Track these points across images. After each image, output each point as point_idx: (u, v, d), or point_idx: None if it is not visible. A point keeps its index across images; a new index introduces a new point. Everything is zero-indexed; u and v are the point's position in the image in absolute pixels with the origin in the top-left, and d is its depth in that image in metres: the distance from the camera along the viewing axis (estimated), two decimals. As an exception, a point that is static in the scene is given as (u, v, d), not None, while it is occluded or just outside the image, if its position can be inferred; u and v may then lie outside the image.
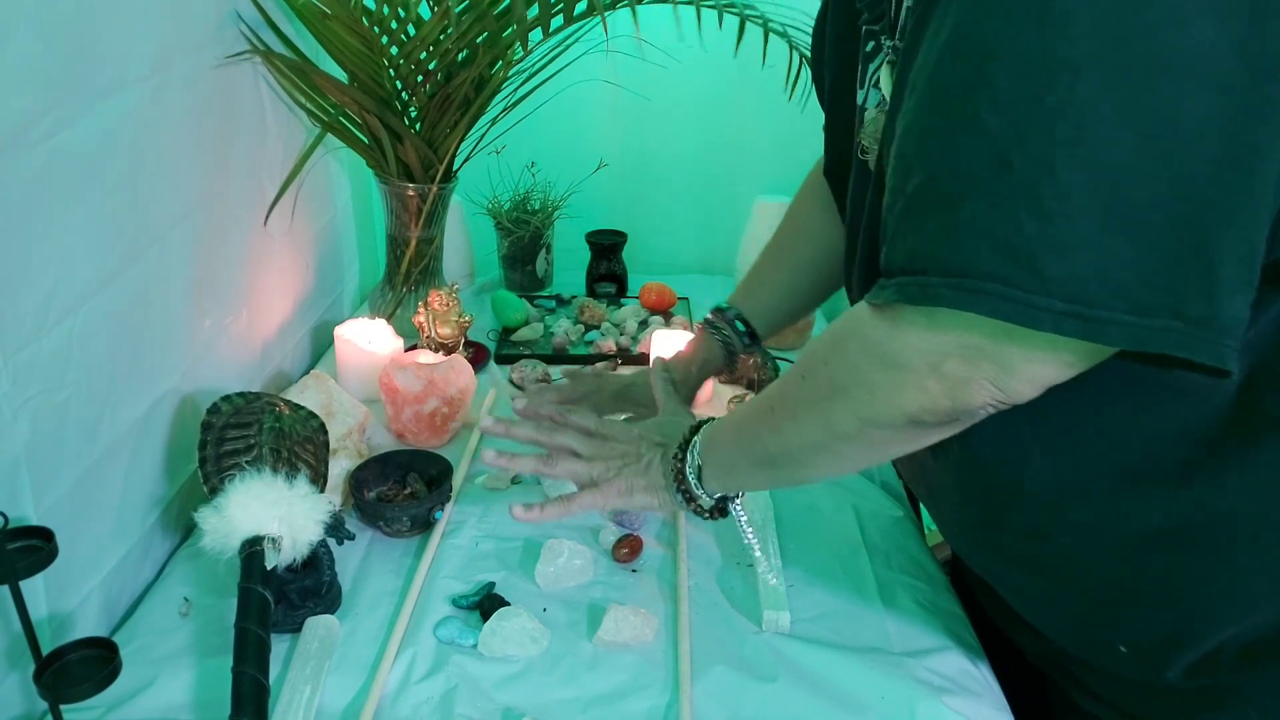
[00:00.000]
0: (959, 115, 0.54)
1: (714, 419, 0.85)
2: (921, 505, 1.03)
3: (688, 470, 0.82)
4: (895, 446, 0.69)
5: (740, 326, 1.07)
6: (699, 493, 0.83)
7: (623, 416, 1.09)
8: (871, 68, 0.73)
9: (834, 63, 0.84)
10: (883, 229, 0.60)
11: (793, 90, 1.32)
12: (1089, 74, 0.49)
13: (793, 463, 0.74)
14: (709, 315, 1.09)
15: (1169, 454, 0.63)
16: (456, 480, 1.02)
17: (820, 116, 0.91)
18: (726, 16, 1.26)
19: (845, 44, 0.79)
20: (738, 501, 0.85)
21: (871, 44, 0.73)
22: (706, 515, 0.84)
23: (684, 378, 1.07)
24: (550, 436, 0.91)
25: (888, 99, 0.69)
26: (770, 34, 1.28)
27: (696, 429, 0.84)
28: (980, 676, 0.82)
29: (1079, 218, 0.50)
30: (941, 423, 0.62)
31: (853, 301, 0.85)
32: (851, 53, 0.77)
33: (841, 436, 0.68)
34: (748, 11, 1.27)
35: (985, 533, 0.76)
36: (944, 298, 0.55)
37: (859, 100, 0.76)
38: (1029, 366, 0.56)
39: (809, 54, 1.14)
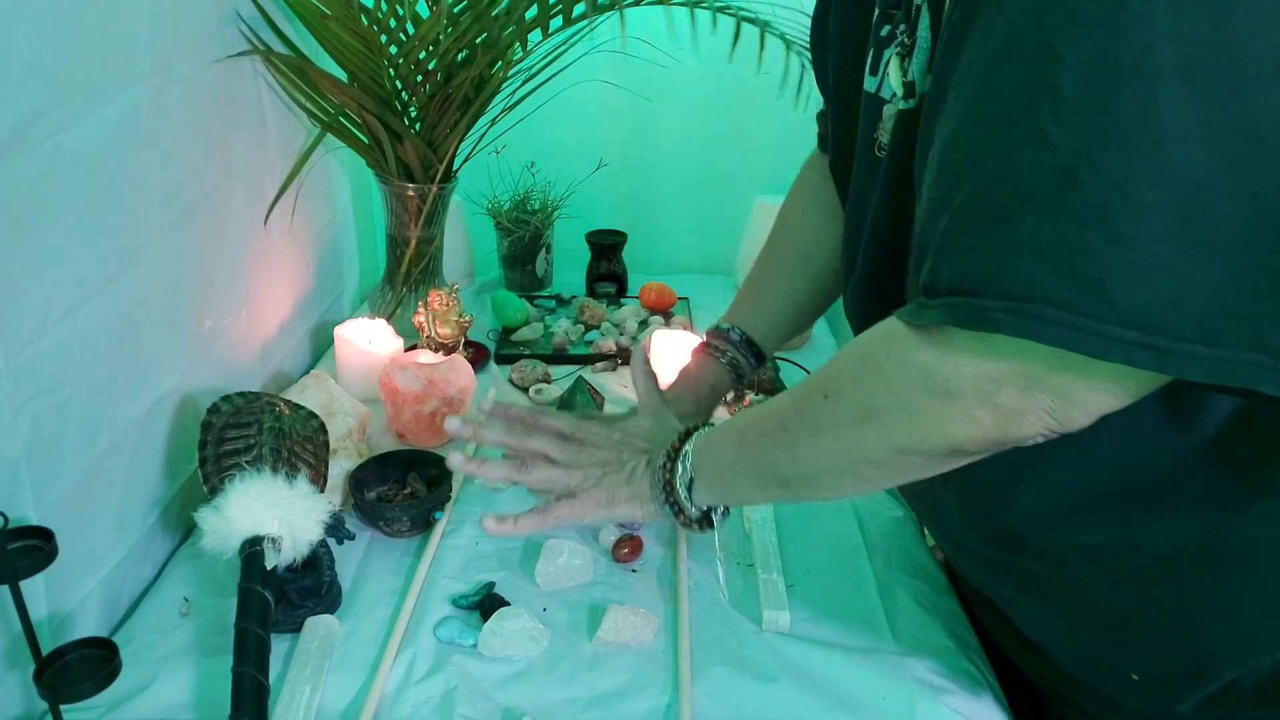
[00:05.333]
0: (1016, 124, 0.49)
1: (704, 427, 0.81)
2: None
3: (678, 481, 0.78)
4: (923, 472, 0.64)
5: (746, 348, 1.00)
6: (688, 505, 0.79)
7: None
8: (886, 54, 0.69)
9: (839, 48, 0.79)
10: (920, 243, 0.56)
11: (797, 96, 1.31)
12: (1167, 83, 0.45)
13: (807, 484, 0.71)
14: (708, 339, 1.01)
15: (1194, 476, 0.60)
16: (456, 480, 1.02)
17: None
18: (722, 19, 1.24)
19: (854, 25, 0.75)
20: (719, 514, 0.81)
21: (887, 29, 0.69)
22: (696, 527, 0.81)
23: (695, 409, 0.98)
24: (522, 441, 0.86)
25: (899, 94, 0.66)
26: (767, 36, 1.27)
27: (686, 436, 0.80)
28: (980, 677, 0.82)
29: (1154, 240, 0.46)
30: (984, 451, 0.58)
31: (848, 308, 0.81)
32: (861, 37, 0.73)
33: (869, 462, 0.63)
34: (743, 13, 1.27)
35: (992, 553, 0.73)
36: (1002, 323, 0.50)
37: (871, 88, 0.72)
38: (1089, 396, 0.52)
39: (808, 52, 1.12)
